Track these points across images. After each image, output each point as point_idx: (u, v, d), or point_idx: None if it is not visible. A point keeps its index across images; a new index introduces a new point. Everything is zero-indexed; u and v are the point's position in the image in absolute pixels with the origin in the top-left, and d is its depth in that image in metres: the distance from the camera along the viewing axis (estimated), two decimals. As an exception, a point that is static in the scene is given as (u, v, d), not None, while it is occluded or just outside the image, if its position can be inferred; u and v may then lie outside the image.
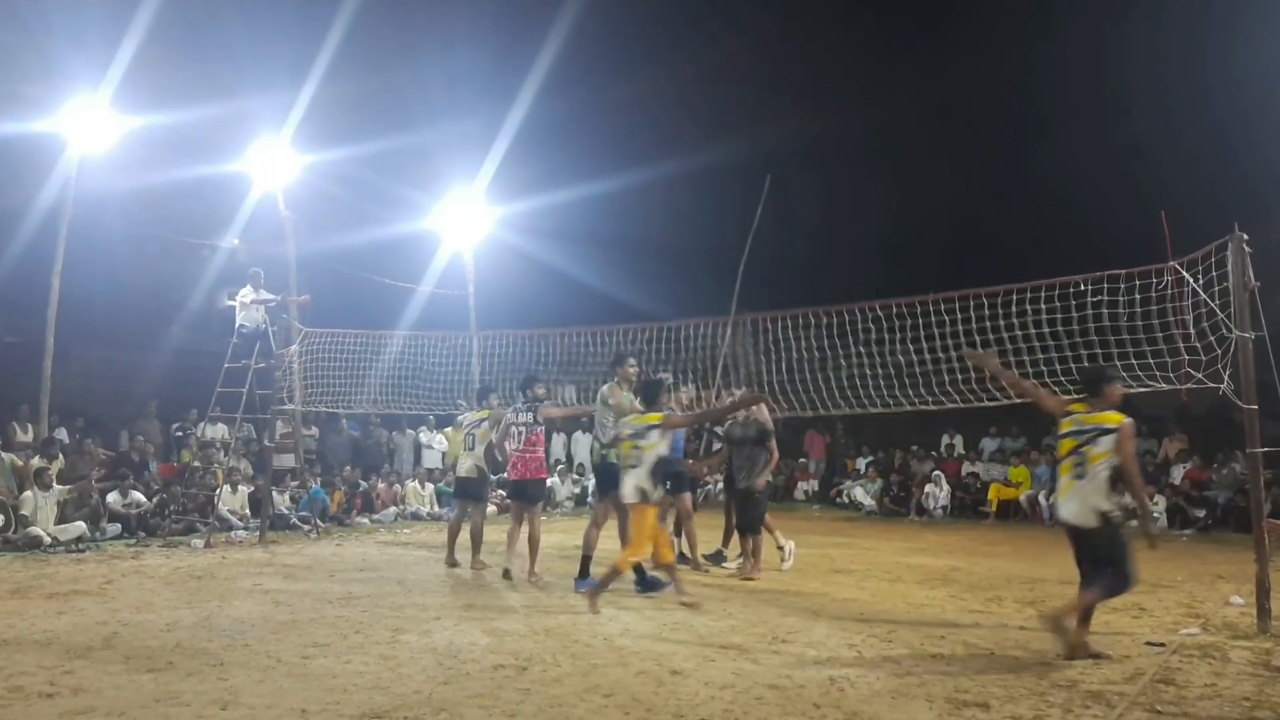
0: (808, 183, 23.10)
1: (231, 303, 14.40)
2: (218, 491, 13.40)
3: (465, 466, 10.48)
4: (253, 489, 14.10)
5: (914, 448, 20.06)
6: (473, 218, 19.63)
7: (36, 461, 12.37)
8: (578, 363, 11.97)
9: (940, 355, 9.14)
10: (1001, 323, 8.81)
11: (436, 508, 16.44)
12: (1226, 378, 7.22)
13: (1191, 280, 7.53)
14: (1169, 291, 7.68)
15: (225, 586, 8.89)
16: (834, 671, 5.78)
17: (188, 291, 18.13)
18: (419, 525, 15.35)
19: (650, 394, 7.93)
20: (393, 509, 16.01)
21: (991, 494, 17.74)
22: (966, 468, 19.00)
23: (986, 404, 8.87)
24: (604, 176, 21.54)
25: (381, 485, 16.41)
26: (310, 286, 15.79)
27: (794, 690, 5.36)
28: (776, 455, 10.04)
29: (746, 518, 9.85)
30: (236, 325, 14.12)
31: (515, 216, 20.78)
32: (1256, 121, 17.37)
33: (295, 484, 14.71)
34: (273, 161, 15.86)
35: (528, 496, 9.56)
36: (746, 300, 11.13)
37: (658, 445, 7.64)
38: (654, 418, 7.74)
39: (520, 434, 9.42)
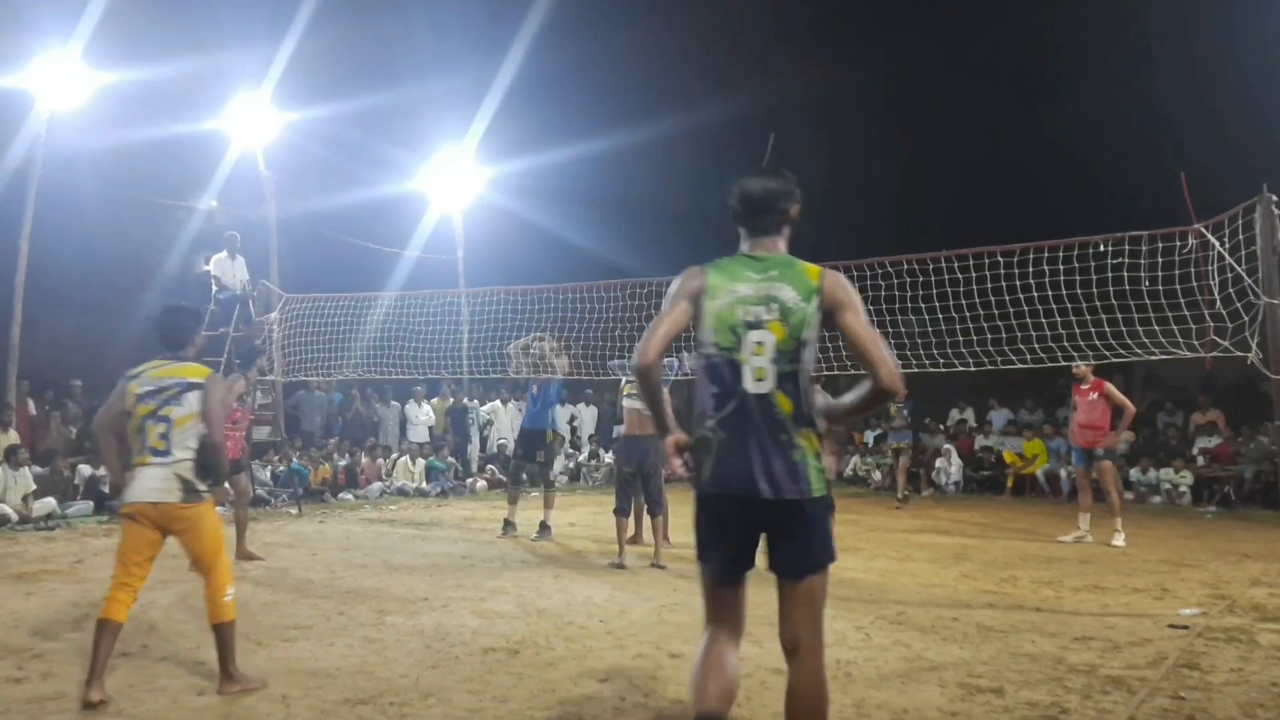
0: (814, 139, 22.61)
1: (208, 267, 14.01)
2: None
3: None
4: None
5: (927, 420, 19.73)
6: (462, 178, 19.22)
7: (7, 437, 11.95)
8: (574, 320, 11.66)
9: (954, 316, 8.85)
10: (1018, 283, 8.53)
11: (425, 484, 16.10)
12: (1254, 346, 6.93)
13: (1217, 243, 7.22)
14: (1193, 255, 7.37)
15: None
16: (841, 655, 5.55)
17: (163, 255, 17.65)
18: (405, 501, 15.02)
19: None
20: (378, 484, 15.70)
21: (1008, 458, 17.50)
22: (980, 441, 18.73)
23: (1001, 367, 8.60)
24: (600, 135, 21.11)
25: (366, 459, 16.09)
26: (292, 250, 15.43)
27: (800, 675, 5.10)
28: None
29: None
30: (213, 291, 13.74)
31: (507, 177, 20.39)
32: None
33: (276, 458, 14.38)
34: (252, 119, 15.43)
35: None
36: None
37: None
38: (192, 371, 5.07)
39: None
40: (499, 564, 8.83)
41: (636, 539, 10.08)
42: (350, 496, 14.98)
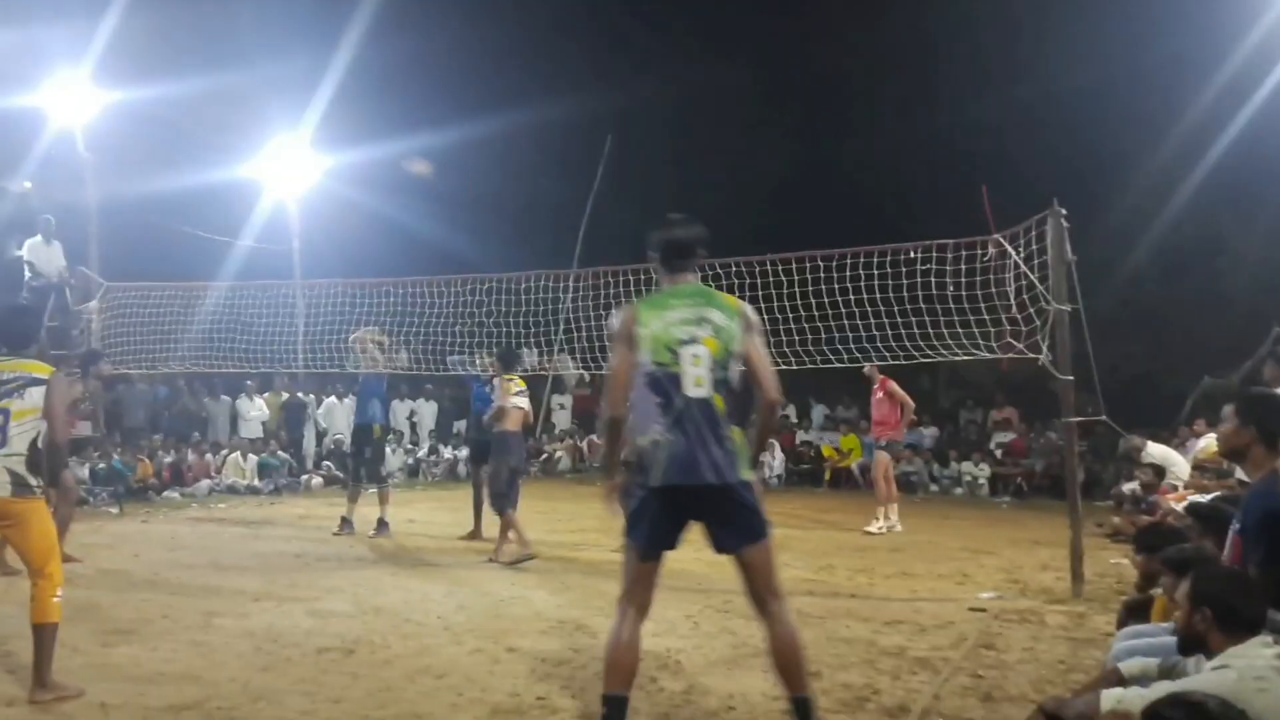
0: (651, 142, 23.06)
1: (20, 253, 13.17)
2: None
3: None
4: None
5: (751, 416, 20.41)
6: (298, 167, 18.64)
7: None
8: (413, 315, 11.56)
9: (778, 316, 9.26)
10: (836, 286, 8.98)
11: (257, 481, 15.60)
12: (1045, 348, 7.54)
13: (1013, 252, 7.82)
14: (992, 263, 7.96)
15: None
16: (671, 644, 5.77)
17: (-30, 239, 16.50)
18: (236, 499, 14.51)
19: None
20: (206, 482, 15.11)
21: (826, 452, 18.29)
22: (800, 436, 19.53)
23: (821, 366, 9.08)
24: (442, 127, 20.81)
25: (193, 456, 15.47)
26: (115, 237, 14.66)
27: (632, 664, 5.30)
28: None
29: None
30: (26, 278, 12.93)
31: (346, 167, 19.88)
32: (1072, 105, 18.45)
33: (96, 454, 13.66)
34: (71, 97, 14.55)
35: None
36: (588, 257, 11.02)
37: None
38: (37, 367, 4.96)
39: None
40: (335, 562, 8.70)
41: (476, 535, 10.16)
42: (176, 495, 14.39)
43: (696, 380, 3.90)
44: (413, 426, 19.61)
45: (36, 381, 4.83)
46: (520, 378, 9.33)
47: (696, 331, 3.93)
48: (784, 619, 4.03)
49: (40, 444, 4.80)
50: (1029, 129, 19.48)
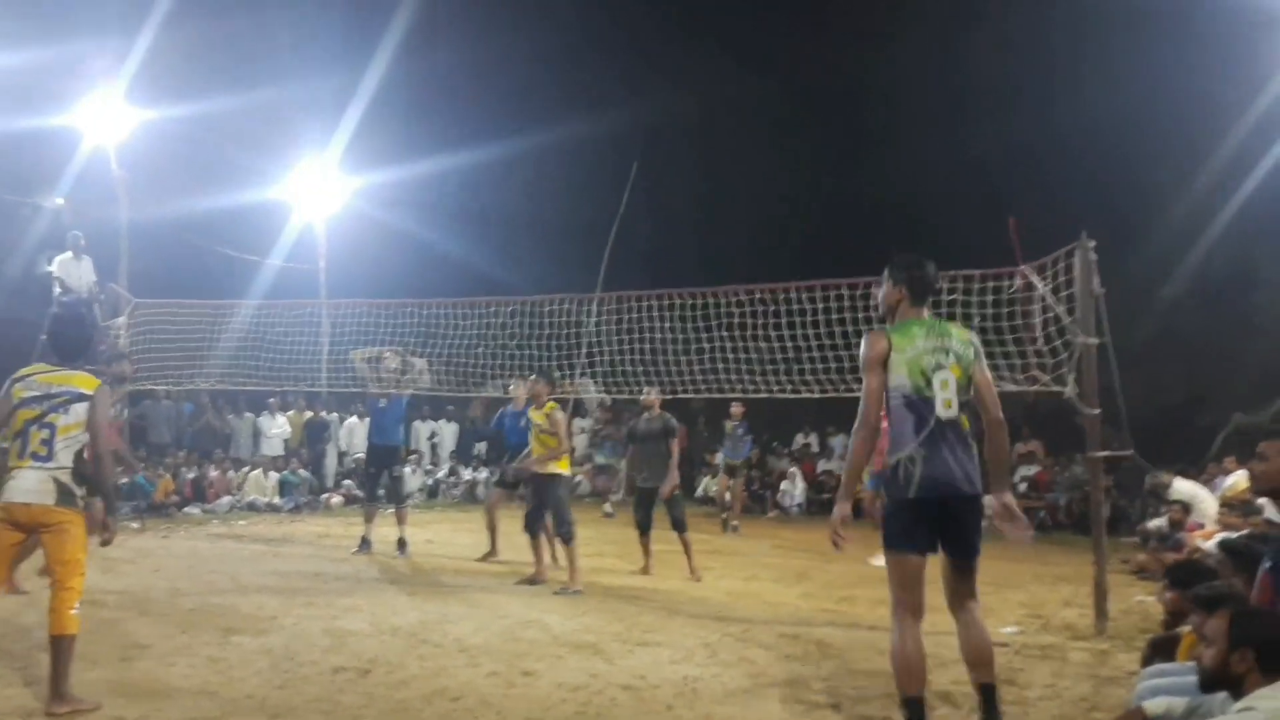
0: (678, 163, 23.14)
1: (51, 268, 13.34)
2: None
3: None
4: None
5: (775, 444, 20.39)
6: (326, 187, 18.81)
7: None
8: (436, 336, 11.60)
9: (801, 345, 9.22)
10: (860, 315, 8.93)
11: (278, 498, 15.65)
12: (1071, 381, 7.46)
13: (1040, 284, 7.76)
14: (1019, 295, 7.90)
15: (34, 583, 8.08)
16: (688, 671, 5.75)
17: (5, 254, 16.63)
18: (256, 516, 14.57)
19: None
20: (227, 498, 15.18)
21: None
22: (822, 465, 19.42)
23: (844, 395, 9.01)
24: (469, 148, 21.02)
25: (215, 472, 15.55)
26: (145, 254, 14.80)
27: (648, 691, 5.30)
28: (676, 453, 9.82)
29: (676, 518, 9.66)
30: (56, 294, 13.09)
31: (373, 188, 20.01)
32: (1105, 133, 18.36)
33: (119, 469, 13.75)
34: (105, 115, 14.75)
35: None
36: (613, 280, 11.03)
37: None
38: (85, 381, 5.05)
39: None
40: (352, 581, 8.71)
41: (492, 554, 10.15)
42: (198, 511, 14.46)
43: (946, 403, 4.37)
44: (433, 448, 19.64)
45: (82, 397, 4.91)
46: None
47: (942, 359, 4.41)
48: (977, 619, 4.57)
49: (86, 456, 4.91)
50: (1060, 157, 19.40)
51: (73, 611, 4.75)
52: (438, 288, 13.42)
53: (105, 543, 5.19)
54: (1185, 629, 4.56)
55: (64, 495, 4.81)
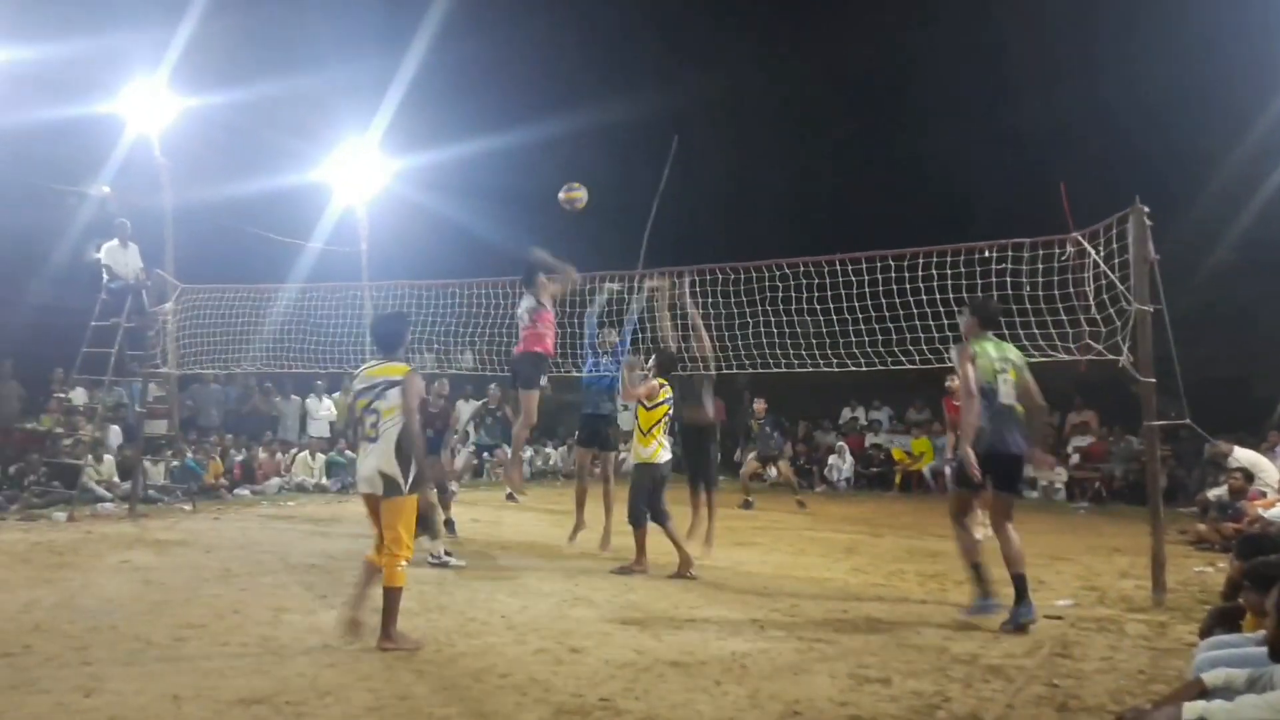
0: (718, 141, 22.92)
1: (99, 255, 13.51)
2: (84, 460, 12.57)
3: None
4: (122, 458, 13.33)
5: (824, 422, 20.32)
6: (366, 170, 18.90)
7: None
8: (478, 316, 11.59)
9: (847, 317, 9.08)
10: (908, 286, 8.75)
11: (325, 479, 15.82)
12: (1126, 350, 7.29)
13: (1093, 251, 7.57)
14: (1071, 263, 7.71)
15: (90, 563, 8.37)
16: (736, 647, 5.72)
17: (52, 242, 16.87)
18: (304, 498, 14.75)
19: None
20: (276, 480, 15.37)
21: (897, 455, 18.02)
22: (870, 439, 19.27)
23: (891, 368, 8.88)
24: (507, 130, 20.91)
25: (264, 455, 15.74)
26: (189, 240, 14.98)
27: (696, 666, 5.28)
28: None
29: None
30: (104, 281, 13.27)
31: (413, 170, 20.09)
32: (1154, 100, 17.90)
33: (170, 453, 13.98)
34: (148, 104, 14.91)
35: None
36: (654, 257, 10.94)
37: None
38: (396, 369, 5.86)
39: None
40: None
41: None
42: (247, 493, 14.66)
43: (1006, 394, 6.55)
44: (476, 426, 19.69)
45: (394, 383, 5.73)
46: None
47: (1004, 365, 6.62)
48: (1010, 534, 6.50)
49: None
50: (1109, 125, 18.99)
51: (399, 569, 5.65)
52: (478, 269, 13.38)
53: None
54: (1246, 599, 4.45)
55: (390, 486, 5.64)
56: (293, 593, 7.13)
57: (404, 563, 5.69)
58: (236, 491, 14.57)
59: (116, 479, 13.06)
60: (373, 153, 18.85)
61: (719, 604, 6.97)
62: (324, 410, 17.61)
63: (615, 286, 10.25)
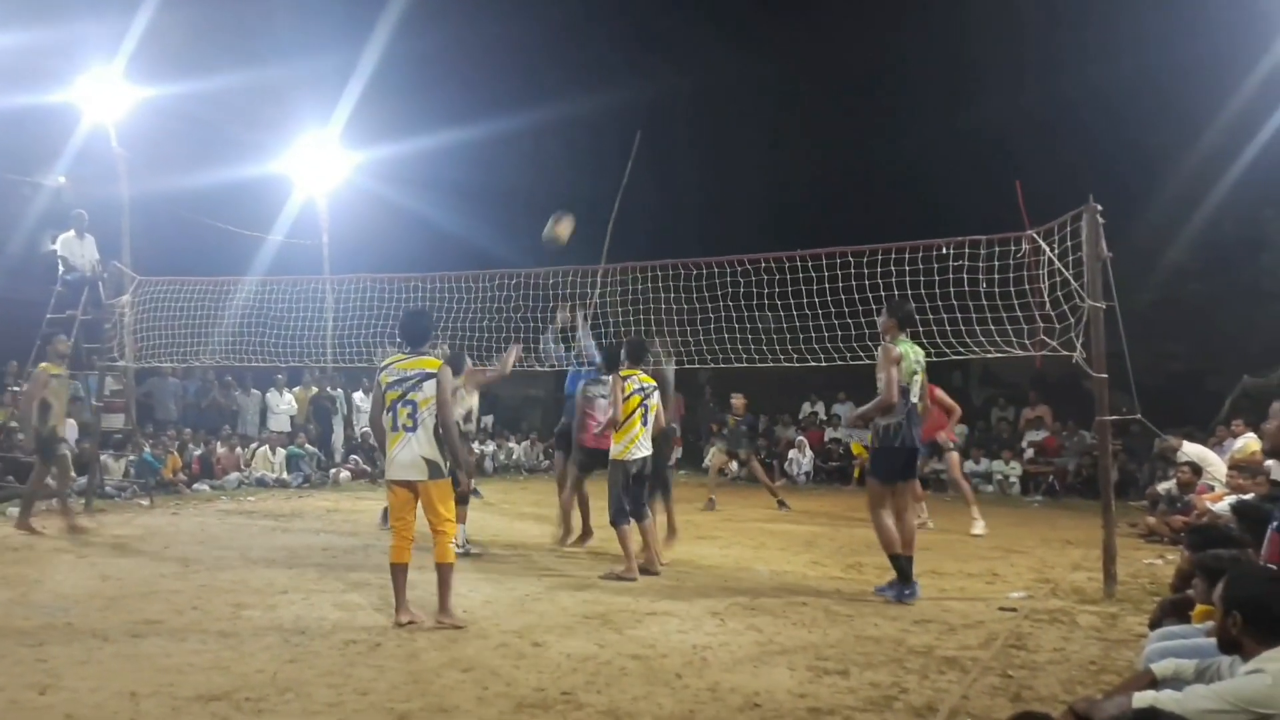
0: (685, 135, 23.00)
1: (54, 247, 13.30)
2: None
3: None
4: (79, 452, 13.12)
5: (783, 416, 20.45)
6: (327, 163, 18.73)
7: None
8: (440, 310, 11.55)
9: (807, 313, 9.18)
10: (867, 283, 8.87)
11: (285, 474, 15.69)
12: (1079, 346, 7.43)
13: (1047, 248, 7.71)
14: (1026, 260, 7.85)
15: (46, 559, 8.26)
16: (697, 640, 5.76)
17: (7, 233, 16.58)
18: (264, 492, 14.62)
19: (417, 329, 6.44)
20: (235, 475, 15.23)
21: (856, 449, 18.19)
22: (829, 434, 19.44)
23: (850, 363, 8.99)
24: (470, 123, 20.83)
25: (222, 449, 15.58)
26: (147, 231, 14.77)
27: (657, 660, 5.31)
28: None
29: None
30: (60, 272, 13.06)
31: (375, 163, 19.93)
32: (1110, 99, 18.21)
33: (127, 447, 13.79)
34: (105, 93, 14.65)
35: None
36: (617, 251, 10.97)
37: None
38: (429, 363, 6.23)
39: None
40: (362, 555, 8.71)
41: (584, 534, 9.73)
42: (206, 487, 14.51)
43: (916, 394, 7.12)
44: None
45: (429, 375, 6.11)
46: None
47: (917, 367, 7.13)
48: (909, 518, 7.18)
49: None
50: (1066, 123, 19.27)
51: (451, 545, 6.17)
52: (440, 262, 13.34)
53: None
54: (1195, 591, 4.56)
55: (434, 470, 6.06)
56: (253, 588, 7.07)
57: (452, 540, 6.21)
58: (195, 486, 14.41)
59: (73, 474, 12.84)
60: (334, 145, 18.67)
61: (680, 598, 7.02)
62: (284, 404, 17.45)
63: (567, 316, 10.27)
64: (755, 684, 4.88)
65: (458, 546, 8.38)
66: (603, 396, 8.77)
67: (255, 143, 18.50)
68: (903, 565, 7.03)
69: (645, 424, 7.93)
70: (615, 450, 7.93)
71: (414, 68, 21.65)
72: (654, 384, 7.99)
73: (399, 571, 6.13)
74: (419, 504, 6.17)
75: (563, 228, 9.94)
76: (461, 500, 8.97)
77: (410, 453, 6.07)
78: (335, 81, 18.71)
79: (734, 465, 15.70)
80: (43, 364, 10.12)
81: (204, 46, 17.67)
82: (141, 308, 12.51)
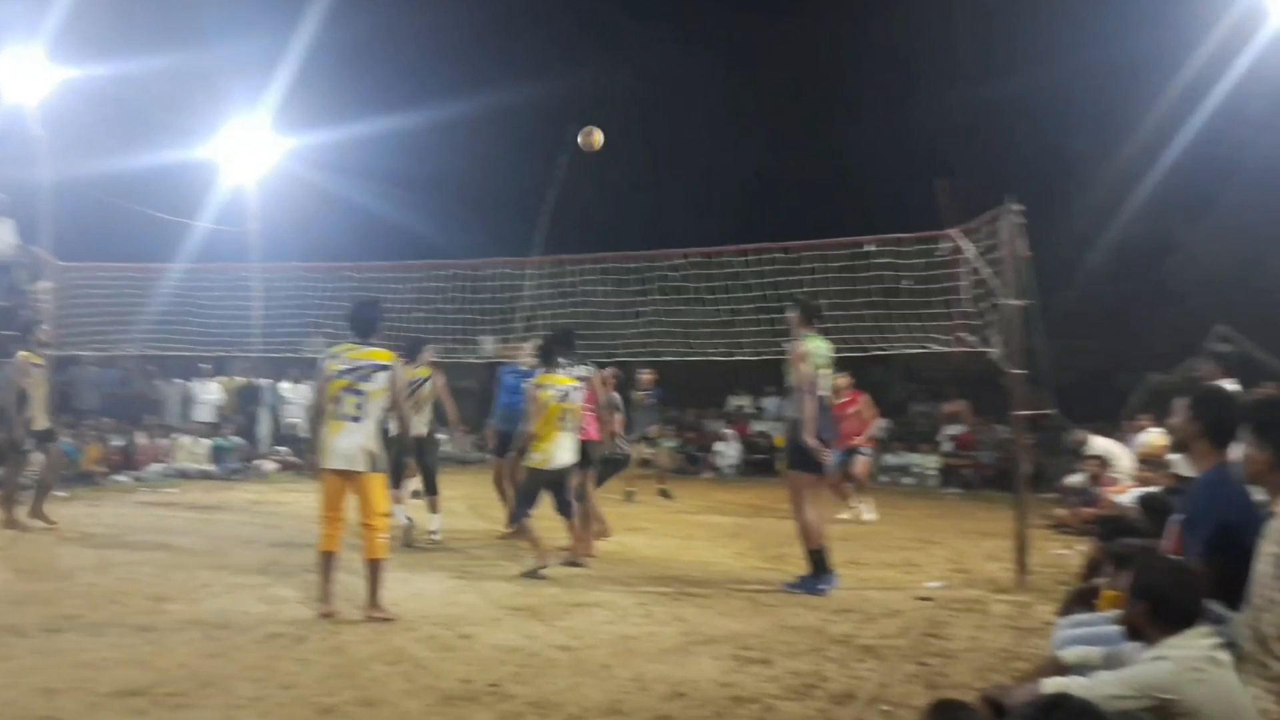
0: (619, 130, 22.93)
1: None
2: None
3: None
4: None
5: (710, 409, 20.64)
6: (257, 148, 18.35)
7: None
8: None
9: (735, 307, 9.31)
10: (795, 279, 9.04)
11: (210, 465, 15.40)
12: (996, 344, 7.64)
13: (967, 247, 7.92)
14: (947, 258, 8.05)
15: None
16: (624, 630, 5.84)
17: (-80, 217, 16.08)
18: (188, 484, 14.31)
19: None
20: (157, 465, 14.91)
21: (779, 442, 18.42)
22: (755, 426, 19.66)
23: (778, 356, 9.12)
24: (404, 111, 20.53)
25: (144, 439, 15.24)
26: (69, 217, 14.36)
27: (584, 651, 5.37)
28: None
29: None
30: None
31: (306, 150, 19.54)
32: (1034, 105, 18.70)
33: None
34: (24, 74, 14.21)
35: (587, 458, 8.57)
36: (556, 246, 11.01)
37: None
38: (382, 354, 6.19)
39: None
40: (287, 548, 8.57)
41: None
42: (127, 479, 14.18)
43: (823, 388, 7.21)
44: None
45: (382, 367, 6.07)
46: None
47: (825, 362, 7.21)
48: (820, 508, 7.49)
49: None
50: (993, 128, 19.70)
51: (380, 541, 6.03)
52: (374, 252, 13.25)
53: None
54: (1104, 580, 4.73)
55: (372, 461, 5.99)
56: (175, 581, 6.96)
57: (385, 537, 6.14)
58: (115, 477, 14.07)
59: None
60: (263, 130, 18.30)
61: (607, 589, 7.08)
62: (208, 394, 17.11)
63: (494, 347, 10.28)
64: (680, 673, 4.96)
65: (433, 536, 8.45)
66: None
67: (183, 127, 18.05)
68: (822, 558, 7.14)
69: (566, 429, 7.65)
70: (534, 459, 7.64)
71: (348, 53, 21.31)
72: (574, 384, 7.74)
73: (328, 560, 6.05)
74: (350, 495, 6.09)
75: (595, 138, 9.73)
76: (430, 490, 9.02)
77: (352, 442, 5.97)
78: (266, 65, 18.30)
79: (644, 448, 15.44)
80: (22, 352, 9.63)
81: (130, 27, 17.20)
82: (62, 294, 12.20)
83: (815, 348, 7.16)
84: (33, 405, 9.62)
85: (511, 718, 4.31)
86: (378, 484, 6.07)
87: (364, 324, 6.30)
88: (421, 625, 5.84)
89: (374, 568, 6.03)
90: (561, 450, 7.63)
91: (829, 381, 7.31)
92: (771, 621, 6.15)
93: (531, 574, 7.43)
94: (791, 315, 7.42)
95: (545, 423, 7.57)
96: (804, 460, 7.15)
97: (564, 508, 7.87)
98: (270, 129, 18.31)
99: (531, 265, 10.77)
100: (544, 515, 7.81)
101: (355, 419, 5.99)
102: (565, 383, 6.46)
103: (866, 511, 11.43)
